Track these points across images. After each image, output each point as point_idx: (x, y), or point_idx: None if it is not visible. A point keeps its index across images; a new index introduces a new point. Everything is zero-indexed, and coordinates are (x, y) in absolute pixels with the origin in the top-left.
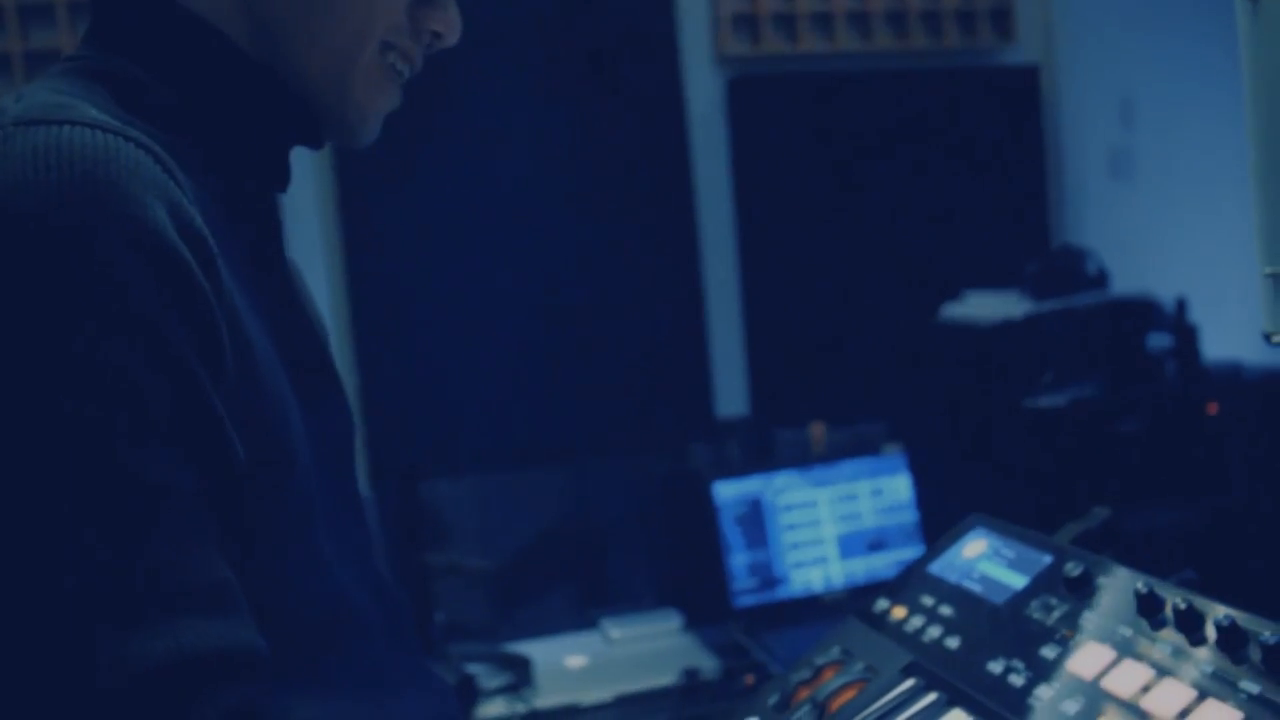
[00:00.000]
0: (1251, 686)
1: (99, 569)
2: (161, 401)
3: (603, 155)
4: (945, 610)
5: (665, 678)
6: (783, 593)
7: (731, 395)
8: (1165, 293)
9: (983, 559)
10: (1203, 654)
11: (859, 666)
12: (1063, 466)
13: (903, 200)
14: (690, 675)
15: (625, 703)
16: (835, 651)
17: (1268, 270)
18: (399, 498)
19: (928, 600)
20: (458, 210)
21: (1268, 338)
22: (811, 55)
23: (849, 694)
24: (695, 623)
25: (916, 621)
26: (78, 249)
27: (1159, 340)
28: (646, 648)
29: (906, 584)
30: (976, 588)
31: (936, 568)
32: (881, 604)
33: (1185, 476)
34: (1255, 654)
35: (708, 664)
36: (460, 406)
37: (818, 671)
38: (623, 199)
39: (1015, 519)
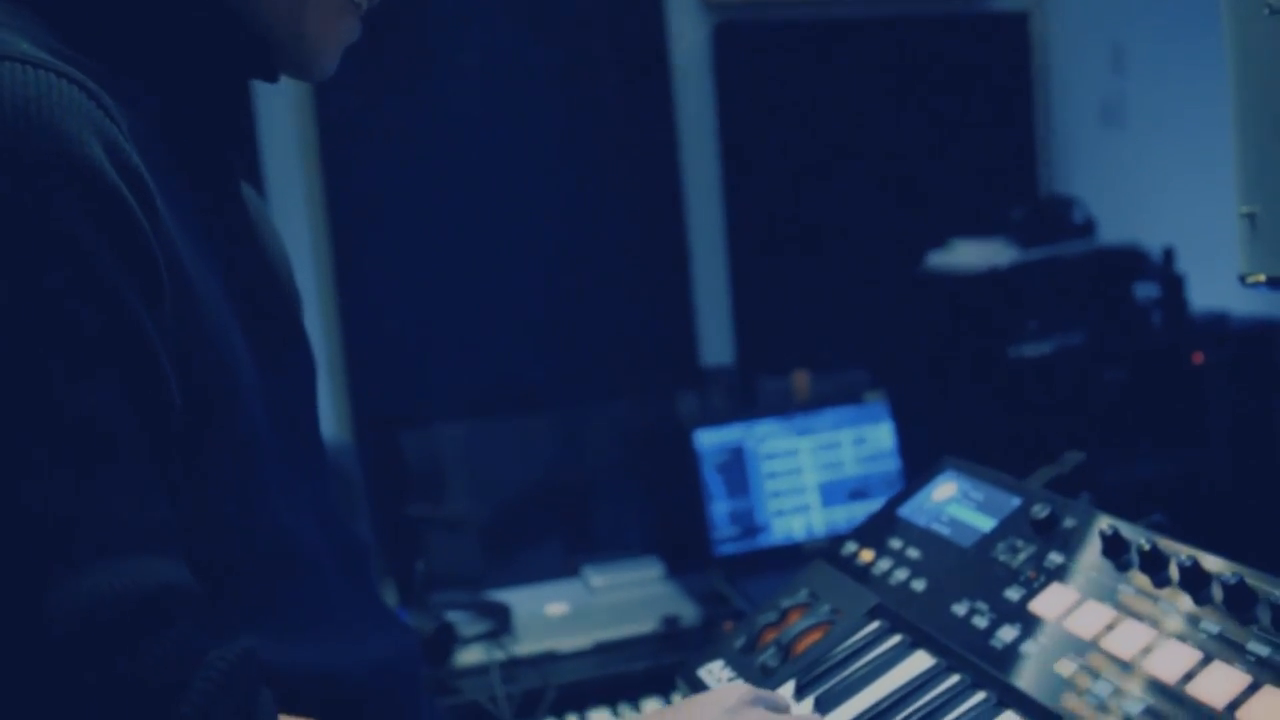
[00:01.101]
0: (1213, 626)
1: (44, 508)
2: (99, 340)
3: (586, 102)
4: (913, 553)
5: (645, 625)
6: (764, 541)
7: (717, 344)
8: (1155, 242)
9: (952, 502)
10: (1167, 595)
11: (825, 609)
12: (1046, 415)
13: (891, 148)
14: (670, 623)
15: (604, 650)
16: (802, 594)
17: (1243, 209)
18: (379, 446)
19: (896, 543)
20: (440, 158)
21: (1243, 279)
22: (799, 1)
23: (814, 636)
24: (677, 570)
25: (884, 564)
26: (12, 189)
27: (1146, 290)
28: (627, 595)
29: (875, 527)
30: (945, 530)
31: (906, 511)
32: (850, 547)
33: (1168, 426)
34: (1218, 594)
35: (688, 611)
36: (443, 355)
37: (784, 614)
38: (607, 145)
39: (997, 468)
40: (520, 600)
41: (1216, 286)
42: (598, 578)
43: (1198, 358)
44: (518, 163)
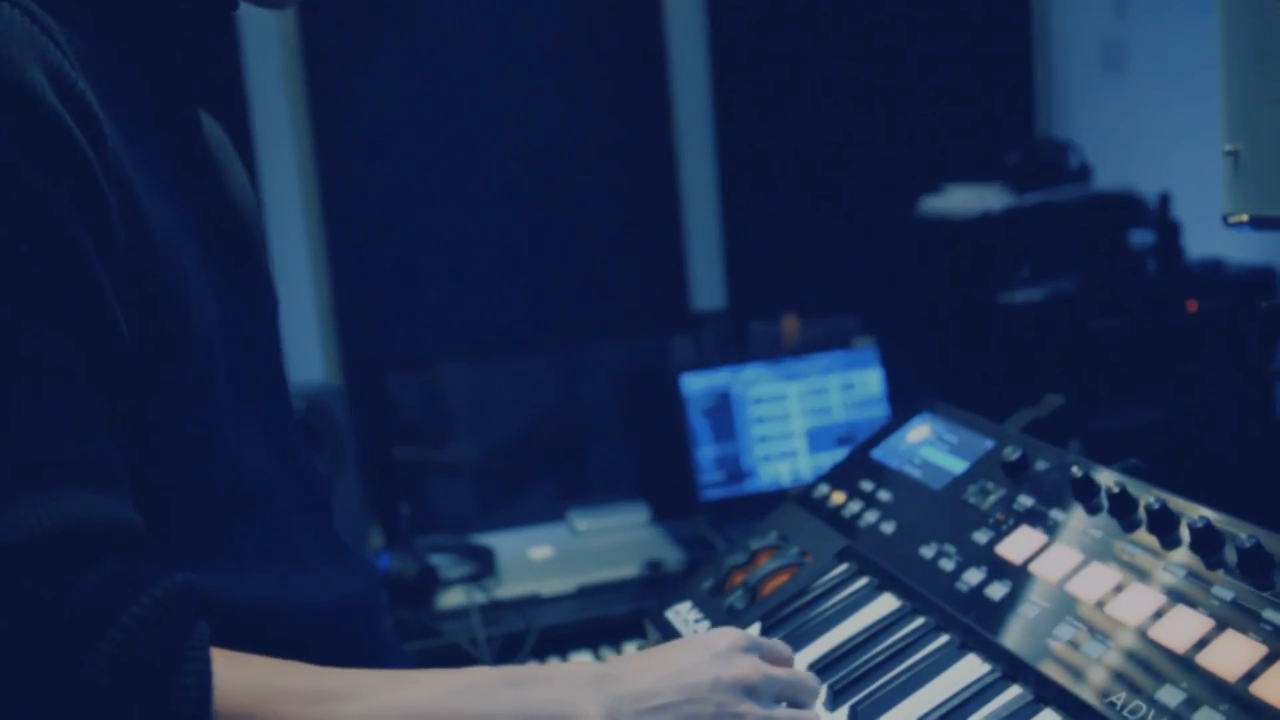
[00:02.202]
0: (1177, 570)
1: None
2: (40, 272)
3: (577, 40)
4: (884, 495)
5: (628, 569)
6: (750, 486)
7: (709, 288)
8: (1155, 189)
9: (925, 444)
10: (1136, 538)
11: (794, 551)
12: (1036, 362)
13: (886, 90)
14: (653, 567)
15: (587, 593)
16: (772, 536)
17: (1228, 147)
18: (367, 389)
19: (867, 485)
20: (430, 96)
21: (1225, 219)
22: None
23: (782, 578)
24: (663, 515)
25: (854, 507)
26: None
27: (1141, 236)
28: (612, 540)
29: (847, 469)
30: (917, 473)
31: (879, 453)
32: (821, 489)
33: (1162, 375)
34: (1185, 537)
35: (672, 556)
36: (433, 298)
37: (753, 556)
38: (598, 86)
39: (987, 415)
40: (505, 544)
41: (1215, 234)
42: (583, 522)
43: (1192, 305)
44: (508, 102)
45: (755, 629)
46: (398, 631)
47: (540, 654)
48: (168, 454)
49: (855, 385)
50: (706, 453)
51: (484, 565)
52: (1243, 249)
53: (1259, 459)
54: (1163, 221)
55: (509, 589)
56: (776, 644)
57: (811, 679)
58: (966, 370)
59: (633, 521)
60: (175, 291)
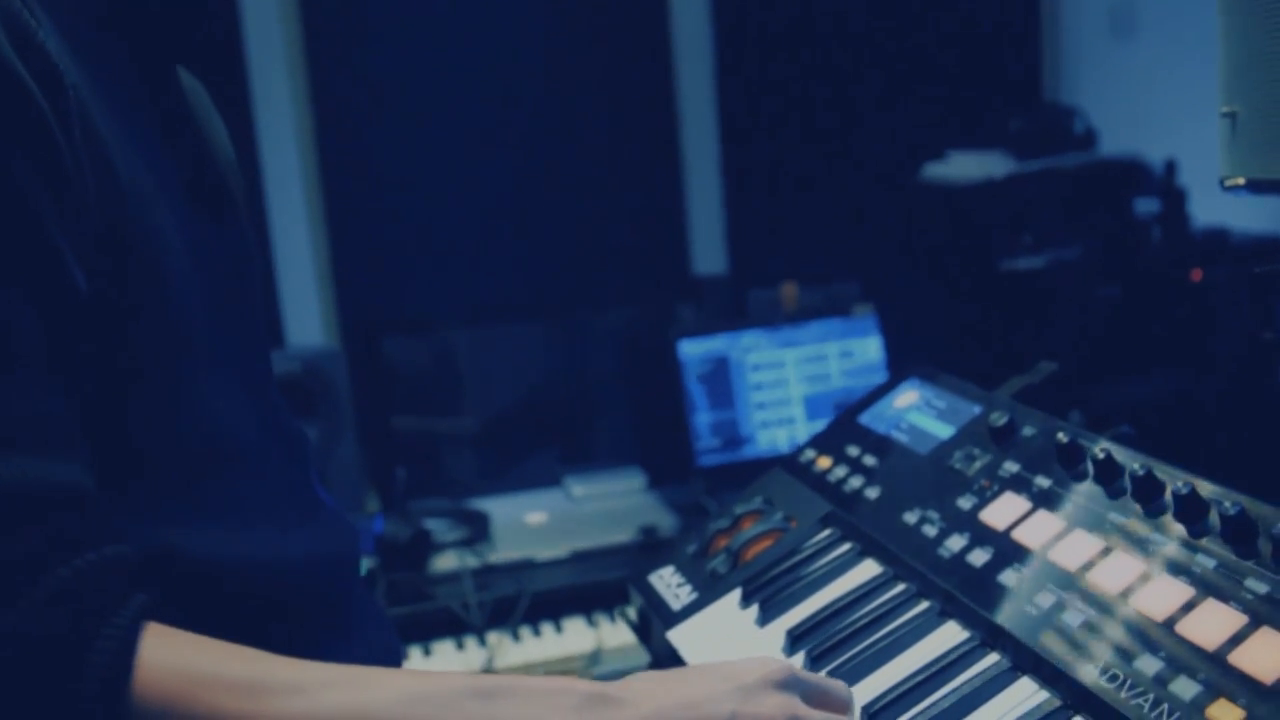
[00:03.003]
0: (1160, 538)
1: None
2: None
3: (577, 4)
4: (869, 460)
5: (623, 535)
6: (748, 453)
7: (709, 254)
8: (1162, 156)
9: (913, 409)
10: (1120, 505)
11: (778, 516)
12: (1037, 331)
13: (891, 55)
14: (647, 533)
15: (580, 558)
16: (757, 501)
17: (1225, 108)
18: (366, 353)
19: (853, 450)
20: (430, 60)
21: (1222, 182)
22: None
23: (765, 543)
24: (659, 482)
25: (840, 471)
26: None
27: (1147, 204)
28: (608, 506)
29: (834, 434)
30: (903, 438)
31: (866, 418)
32: (808, 454)
33: (1164, 345)
34: (1170, 505)
35: (666, 522)
36: (433, 262)
37: (736, 520)
38: (600, 51)
39: (985, 384)
40: (501, 509)
41: (1221, 203)
42: (579, 488)
43: (1196, 275)
44: (508, 65)
45: (736, 594)
46: (390, 594)
47: (533, 619)
48: (140, 407)
49: (854, 352)
50: (703, 419)
51: (478, 530)
52: (1249, 218)
53: (1259, 428)
54: (1168, 189)
55: (503, 554)
56: (832, 685)
57: None
58: (967, 338)
59: (629, 488)
60: (146, 244)
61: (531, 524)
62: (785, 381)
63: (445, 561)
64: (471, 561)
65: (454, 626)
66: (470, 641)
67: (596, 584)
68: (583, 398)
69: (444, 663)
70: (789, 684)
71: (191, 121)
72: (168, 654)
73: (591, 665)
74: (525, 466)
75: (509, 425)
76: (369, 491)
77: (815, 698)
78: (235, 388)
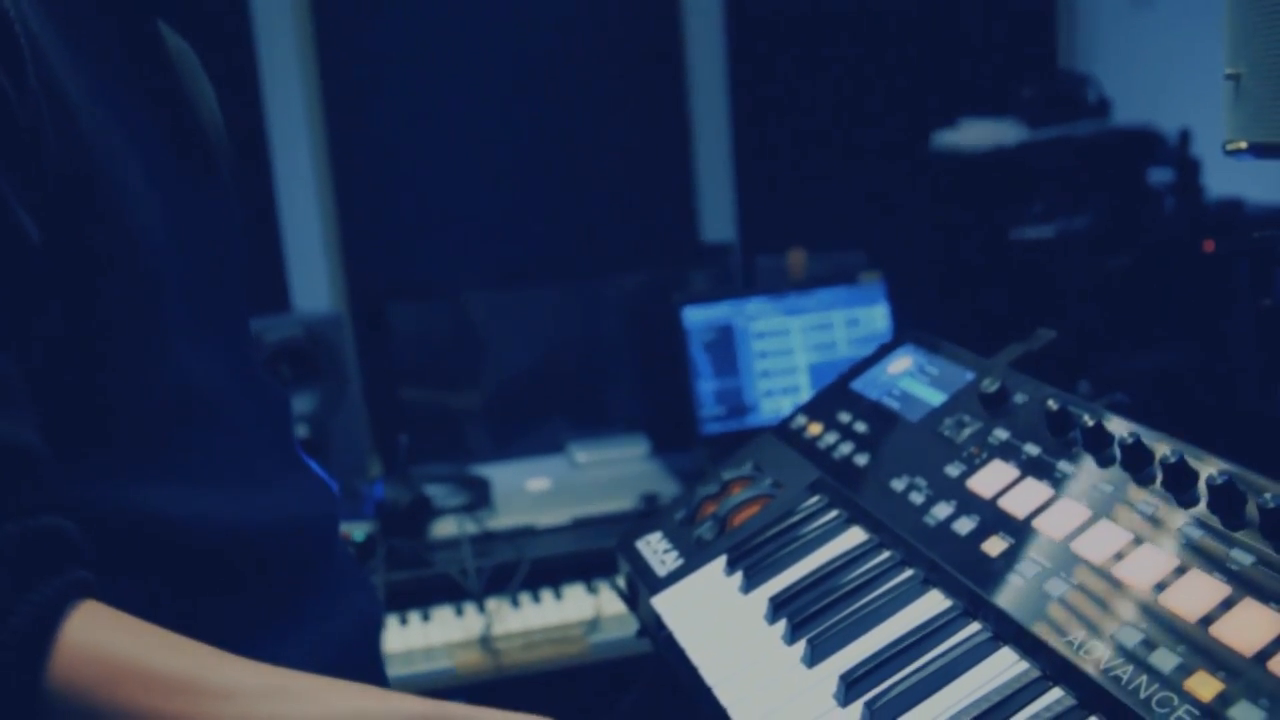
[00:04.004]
0: (1147, 507)
1: None
2: None
3: None
4: (860, 427)
5: (625, 502)
6: (752, 421)
7: (719, 220)
8: (1177, 125)
9: (906, 376)
10: (1109, 474)
11: (767, 482)
12: (1045, 300)
13: (904, 21)
14: (649, 500)
15: (581, 525)
16: (746, 467)
17: (1229, 70)
18: (372, 319)
19: (844, 417)
20: (439, 26)
21: (1224, 147)
22: None
23: (752, 510)
24: (663, 449)
25: (830, 438)
26: None
27: (1160, 174)
28: (611, 473)
29: (826, 400)
30: (894, 405)
31: (858, 384)
32: (799, 420)
33: (1176, 316)
34: (1157, 474)
35: (668, 489)
36: (441, 228)
37: (725, 486)
38: (611, 19)
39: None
40: (503, 475)
41: (1236, 173)
42: (582, 454)
43: (1209, 246)
44: (518, 30)
45: (722, 560)
46: (389, 560)
47: (533, 585)
48: (110, 363)
49: (860, 321)
50: (707, 386)
51: (479, 496)
52: (1264, 189)
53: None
54: (1182, 159)
55: (503, 520)
56: None
57: None
58: (975, 307)
59: (632, 454)
60: (112, 196)
61: (533, 490)
62: (790, 350)
63: (445, 527)
64: (471, 527)
65: (453, 592)
66: (469, 608)
67: (597, 551)
68: (592, 365)
69: (442, 629)
70: None
71: (174, 81)
72: (95, 637)
73: (591, 632)
74: (528, 432)
75: (515, 391)
76: (372, 457)
77: None
78: (212, 347)
